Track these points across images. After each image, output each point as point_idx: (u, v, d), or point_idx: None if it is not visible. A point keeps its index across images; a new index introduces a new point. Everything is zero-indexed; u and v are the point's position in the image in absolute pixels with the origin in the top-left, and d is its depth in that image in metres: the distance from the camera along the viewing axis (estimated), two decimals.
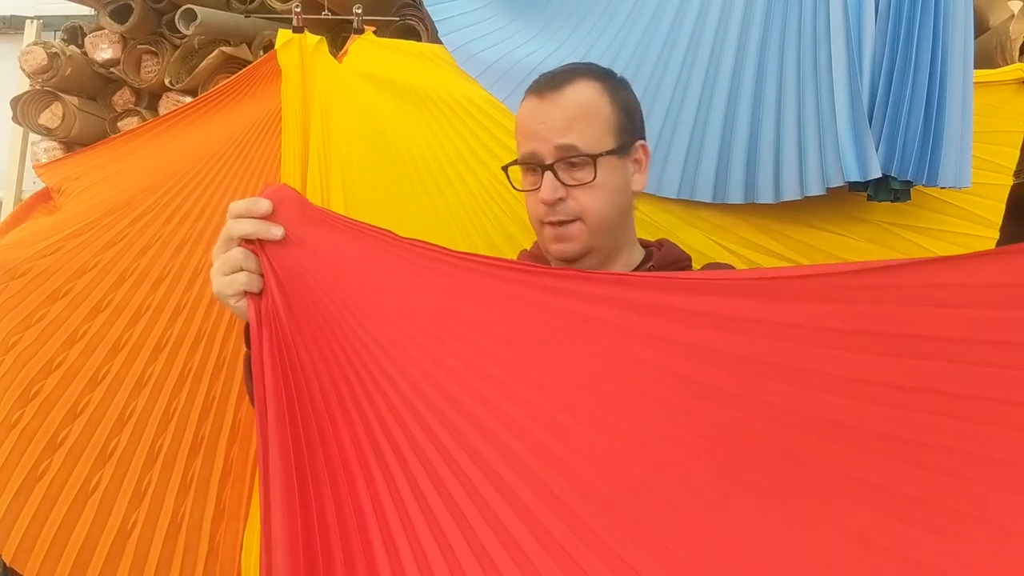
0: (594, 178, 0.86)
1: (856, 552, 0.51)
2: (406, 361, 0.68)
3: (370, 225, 0.72)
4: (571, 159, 0.86)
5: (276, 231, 0.70)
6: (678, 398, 0.58)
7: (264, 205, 0.70)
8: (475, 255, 0.70)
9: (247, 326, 0.72)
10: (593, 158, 0.85)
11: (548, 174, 0.86)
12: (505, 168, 0.95)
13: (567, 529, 0.58)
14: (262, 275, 0.71)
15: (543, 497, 0.60)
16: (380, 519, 0.65)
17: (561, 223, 0.87)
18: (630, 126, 0.91)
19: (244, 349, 0.77)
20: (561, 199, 0.86)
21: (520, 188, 0.92)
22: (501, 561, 0.60)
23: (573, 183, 0.86)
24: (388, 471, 0.66)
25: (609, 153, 0.87)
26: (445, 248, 0.69)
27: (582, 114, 0.87)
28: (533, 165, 0.88)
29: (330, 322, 0.70)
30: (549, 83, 0.90)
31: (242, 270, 0.71)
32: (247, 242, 0.71)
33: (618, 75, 0.94)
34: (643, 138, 0.94)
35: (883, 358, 0.50)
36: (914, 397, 0.49)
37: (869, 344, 0.51)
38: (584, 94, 0.88)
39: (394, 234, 0.71)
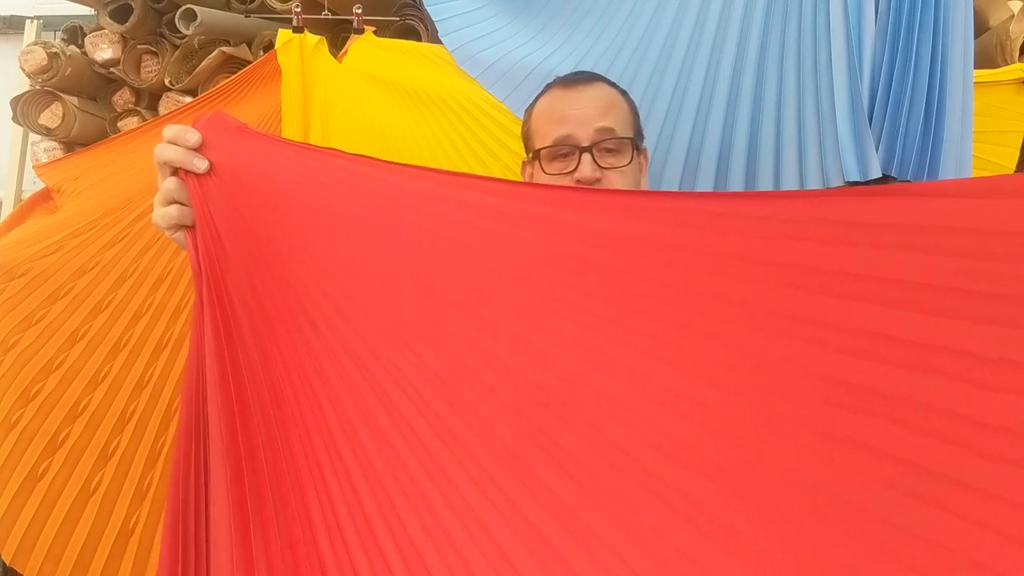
0: (630, 161, 0.90)
1: (830, 510, 0.48)
2: (359, 316, 0.63)
3: (317, 147, 0.68)
4: (608, 143, 0.89)
5: (200, 163, 0.65)
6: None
7: (193, 136, 0.66)
8: (448, 172, 0.65)
9: None
10: (631, 140, 0.90)
11: (587, 155, 0.88)
12: (537, 152, 0.93)
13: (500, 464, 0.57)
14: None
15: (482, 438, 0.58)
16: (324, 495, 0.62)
17: None
18: (639, 128, 0.96)
19: None
20: (597, 180, 0.88)
21: (549, 172, 0.92)
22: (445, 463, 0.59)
23: (607, 167, 0.89)
24: (336, 451, 0.62)
25: (632, 142, 0.91)
26: (412, 167, 0.64)
27: (612, 104, 0.93)
28: (567, 149, 0.90)
29: (270, 265, 0.65)
30: (575, 77, 0.95)
31: (175, 202, 0.67)
32: (184, 173, 0.67)
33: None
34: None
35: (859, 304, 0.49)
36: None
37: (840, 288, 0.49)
38: (608, 90, 0.95)
39: (344, 154, 0.66)
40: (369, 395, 0.62)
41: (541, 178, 0.92)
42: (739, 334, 0.52)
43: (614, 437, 0.54)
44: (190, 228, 0.67)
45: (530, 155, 0.97)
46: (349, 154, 0.66)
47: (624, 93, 0.96)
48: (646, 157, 0.98)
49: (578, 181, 0.88)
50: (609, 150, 0.89)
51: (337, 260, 0.65)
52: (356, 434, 0.62)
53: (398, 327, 0.62)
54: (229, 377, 0.64)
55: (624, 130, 0.91)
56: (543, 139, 0.93)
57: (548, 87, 0.97)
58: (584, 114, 0.90)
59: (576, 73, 0.97)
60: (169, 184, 0.67)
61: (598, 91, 0.94)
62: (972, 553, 0.44)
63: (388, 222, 0.64)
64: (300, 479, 0.63)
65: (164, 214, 0.67)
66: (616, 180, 0.89)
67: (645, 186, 0.96)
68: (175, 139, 0.66)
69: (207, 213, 0.66)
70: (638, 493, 0.53)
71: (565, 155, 0.91)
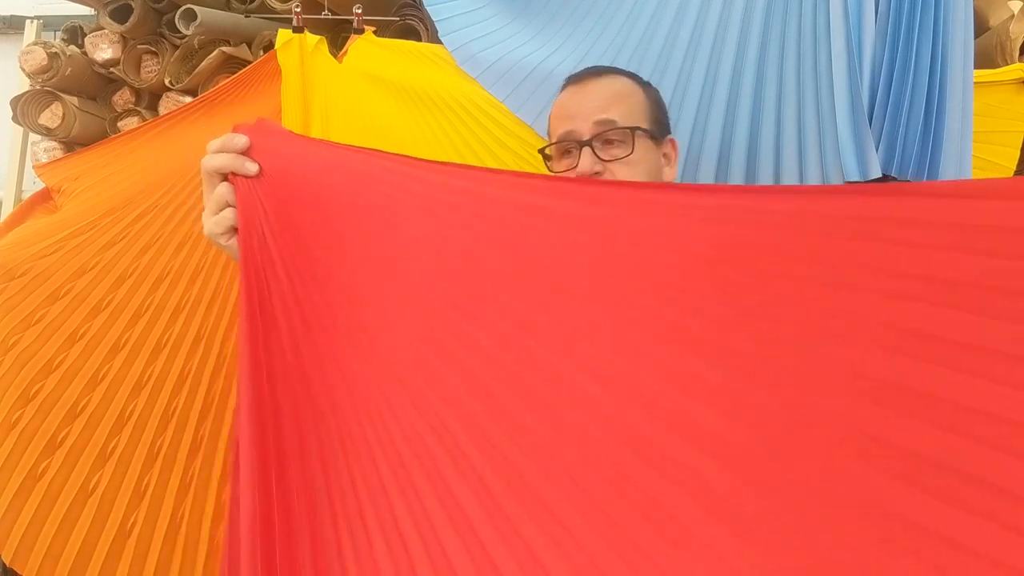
0: (631, 152, 0.87)
1: (856, 513, 0.47)
2: (400, 327, 0.61)
3: (365, 149, 0.66)
4: (609, 135, 0.87)
5: (251, 166, 0.66)
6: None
7: (240, 140, 0.67)
8: (499, 171, 0.62)
9: None
10: (632, 131, 0.87)
11: (586, 149, 0.87)
12: (542, 151, 0.94)
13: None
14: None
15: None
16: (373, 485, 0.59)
17: None
18: (662, 118, 0.94)
19: None
20: (598, 173, 0.86)
21: (556, 171, 0.92)
22: (464, 499, 0.55)
23: (610, 159, 0.87)
24: (396, 451, 0.59)
25: (645, 132, 0.89)
26: (463, 166, 0.62)
27: (620, 96, 0.91)
28: (569, 145, 0.89)
29: (317, 266, 0.64)
30: (586, 73, 0.94)
31: (229, 206, 0.67)
32: (233, 177, 0.67)
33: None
34: (671, 134, 0.96)
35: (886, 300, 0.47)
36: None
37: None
38: (620, 82, 0.93)
39: (392, 155, 0.64)
40: (416, 417, 0.58)
41: None
42: (782, 331, 0.51)
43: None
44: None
45: (543, 154, 0.96)
46: (397, 155, 0.64)
47: (642, 83, 0.94)
48: (674, 147, 0.95)
49: (579, 175, 0.86)
50: (610, 142, 0.88)
51: (383, 265, 0.63)
52: (401, 460, 0.58)
53: (446, 339, 0.59)
54: (264, 385, 0.63)
55: (629, 120, 0.88)
56: (551, 138, 0.93)
57: (563, 85, 0.96)
58: (586, 109, 0.89)
59: (589, 68, 0.96)
60: (222, 189, 0.67)
61: (604, 84, 0.92)
62: (1004, 557, 0.43)
63: (440, 227, 0.61)
64: (332, 490, 0.61)
65: (221, 219, 0.66)
66: (620, 172, 0.87)
67: (670, 178, 0.94)
68: (223, 146, 0.67)
69: (256, 216, 0.65)
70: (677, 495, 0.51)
71: (569, 151, 0.90)
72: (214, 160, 0.67)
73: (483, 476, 0.55)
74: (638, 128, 0.88)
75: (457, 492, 0.56)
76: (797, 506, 0.49)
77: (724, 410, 0.51)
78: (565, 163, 0.90)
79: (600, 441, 0.53)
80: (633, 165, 0.87)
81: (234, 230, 0.67)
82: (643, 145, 0.89)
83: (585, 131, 0.88)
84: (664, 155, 0.94)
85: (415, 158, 0.63)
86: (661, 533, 0.51)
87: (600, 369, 0.54)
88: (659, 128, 0.93)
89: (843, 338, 0.49)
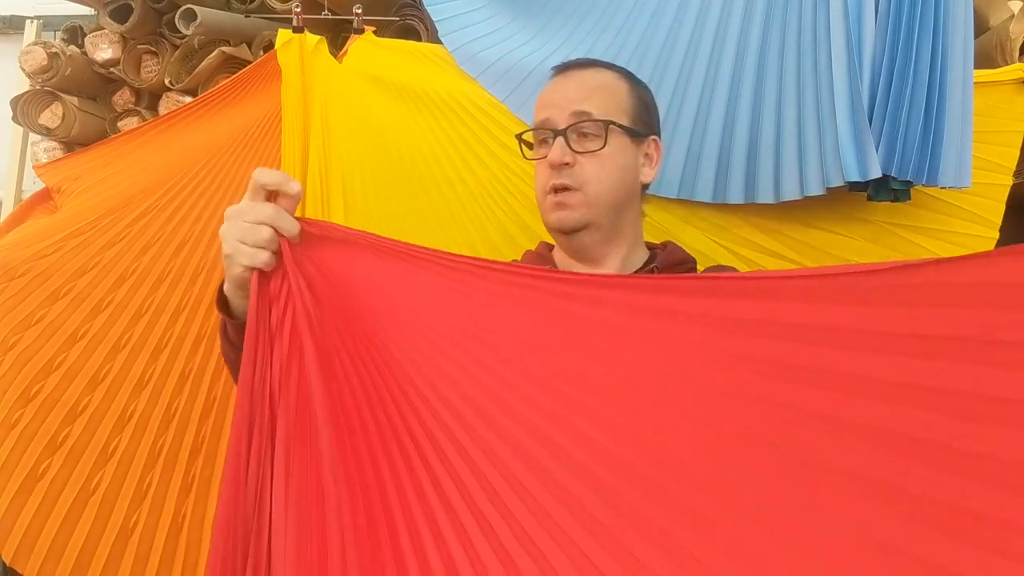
0: (603, 146, 0.87)
1: (877, 557, 0.51)
2: (426, 365, 0.66)
3: (375, 235, 0.70)
4: (583, 127, 0.87)
5: (294, 186, 0.66)
6: (696, 402, 0.58)
7: (295, 186, 0.66)
8: (487, 262, 0.68)
9: (220, 294, 0.71)
10: (605, 125, 0.87)
11: (559, 139, 0.87)
12: (520, 136, 0.95)
13: (584, 531, 0.58)
14: (275, 253, 0.66)
15: (560, 499, 0.60)
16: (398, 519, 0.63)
17: (565, 188, 0.87)
18: (646, 117, 0.93)
19: (221, 316, 0.73)
20: (567, 164, 0.87)
21: (530, 158, 0.93)
22: (522, 563, 0.59)
23: (582, 151, 0.87)
24: (412, 470, 0.64)
25: (621, 128, 0.88)
26: (453, 255, 0.68)
27: (600, 88, 0.90)
28: (545, 134, 0.90)
29: (349, 322, 0.68)
30: (573, 64, 0.94)
31: (268, 225, 0.64)
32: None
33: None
34: (658, 135, 0.96)
35: (897, 358, 0.50)
36: (932, 397, 0.49)
37: (881, 345, 0.51)
38: (605, 75, 0.93)
39: (402, 243, 0.69)
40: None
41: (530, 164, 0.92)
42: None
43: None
44: (260, 272, 0.66)
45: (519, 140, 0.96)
46: (441, 256, 0.68)
47: (630, 79, 0.94)
48: (655, 147, 0.94)
49: (549, 164, 0.87)
50: (584, 134, 0.87)
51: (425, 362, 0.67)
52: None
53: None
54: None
55: (605, 114, 0.88)
56: (533, 123, 0.93)
57: (550, 75, 0.96)
58: (565, 99, 0.89)
59: (575, 59, 0.96)
60: (268, 208, 0.65)
61: (588, 75, 0.92)
62: None
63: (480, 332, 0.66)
64: None
65: (255, 230, 0.64)
66: (588, 165, 0.87)
67: (650, 179, 0.94)
68: (277, 184, 0.66)
69: (294, 267, 0.67)
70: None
71: (544, 140, 0.90)
72: (263, 176, 0.66)
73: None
74: (613, 123, 0.88)
75: None
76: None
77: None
78: (540, 151, 0.91)
79: None
80: (603, 159, 0.87)
81: (266, 250, 0.65)
82: (617, 141, 0.88)
83: (561, 121, 0.88)
84: (645, 155, 0.93)
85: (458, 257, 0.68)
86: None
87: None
88: (641, 126, 0.91)
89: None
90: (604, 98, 0.89)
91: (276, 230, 0.65)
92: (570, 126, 0.87)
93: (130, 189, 1.30)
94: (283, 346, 0.66)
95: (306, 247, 0.68)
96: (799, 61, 1.04)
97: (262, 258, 0.65)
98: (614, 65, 0.95)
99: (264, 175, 0.66)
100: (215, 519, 0.67)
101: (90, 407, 1.19)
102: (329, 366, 0.67)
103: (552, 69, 0.96)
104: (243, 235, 0.65)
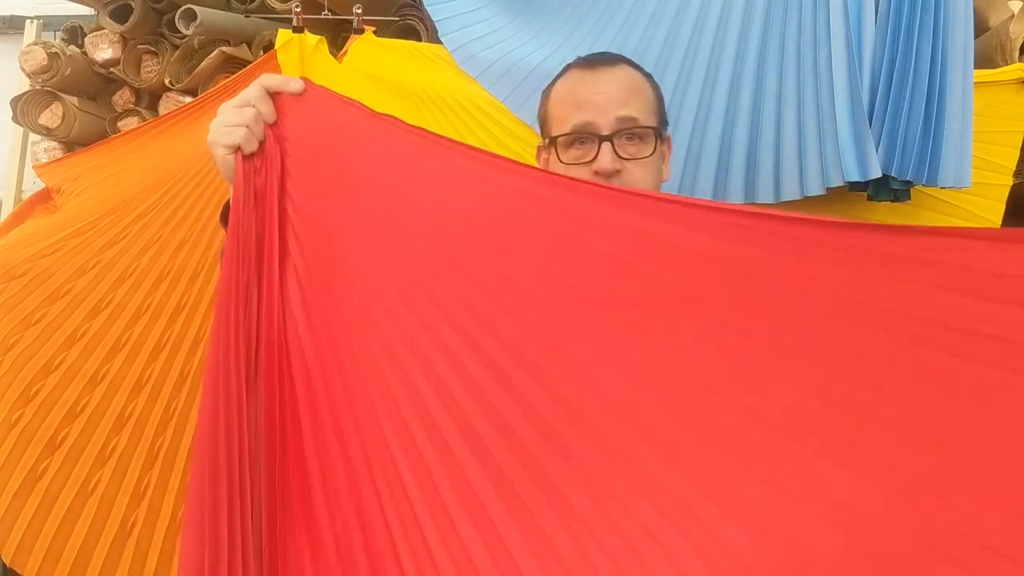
0: (652, 152, 0.86)
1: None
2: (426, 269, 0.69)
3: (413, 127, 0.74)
4: (632, 131, 0.86)
5: (296, 84, 0.72)
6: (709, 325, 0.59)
7: (297, 83, 0.72)
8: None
9: (224, 210, 0.73)
10: (654, 131, 0.86)
11: (607, 144, 0.84)
12: (554, 139, 0.90)
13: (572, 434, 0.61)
14: (260, 141, 0.71)
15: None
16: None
17: None
18: (664, 115, 0.92)
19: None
20: (617, 171, 0.84)
21: (565, 161, 0.88)
22: (514, 474, 0.62)
23: (627, 157, 0.85)
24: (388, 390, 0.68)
25: (658, 132, 0.88)
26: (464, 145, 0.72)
27: (636, 90, 0.88)
28: (584, 136, 0.86)
29: (329, 195, 0.71)
30: (599, 58, 0.91)
31: (251, 107, 0.70)
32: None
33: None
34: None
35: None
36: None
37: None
38: (634, 75, 0.90)
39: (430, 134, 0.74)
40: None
41: (557, 167, 0.87)
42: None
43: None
44: (244, 153, 0.70)
45: (546, 140, 0.92)
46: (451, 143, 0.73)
47: (649, 77, 0.92)
48: (669, 145, 0.94)
49: (596, 172, 0.84)
50: (630, 140, 0.85)
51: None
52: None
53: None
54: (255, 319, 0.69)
55: (647, 118, 0.87)
56: (561, 125, 0.88)
57: (568, 67, 0.92)
58: (606, 100, 0.86)
59: (599, 54, 0.92)
60: (253, 89, 0.72)
61: (621, 74, 0.89)
62: None
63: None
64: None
65: (240, 113, 0.70)
66: (636, 171, 0.85)
67: (667, 175, 0.93)
68: (277, 86, 0.72)
69: (283, 148, 0.71)
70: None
71: (583, 142, 0.87)
72: (269, 80, 0.72)
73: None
74: (655, 128, 0.87)
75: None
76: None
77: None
78: (575, 153, 0.87)
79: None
80: (647, 165, 0.86)
81: (247, 131, 0.70)
82: (655, 145, 0.88)
83: (605, 125, 0.85)
84: (662, 153, 0.92)
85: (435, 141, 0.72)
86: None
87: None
88: (663, 125, 0.91)
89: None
90: (642, 101, 0.88)
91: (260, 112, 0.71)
92: (616, 132, 0.85)
93: (130, 189, 1.30)
94: (267, 221, 0.70)
95: (296, 122, 0.72)
96: (799, 61, 1.04)
97: (240, 134, 0.70)
98: (630, 60, 0.93)
99: (268, 78, 0.72)
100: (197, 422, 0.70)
101: (89, 407, 1.18)
102: (312, 240, 0.70)
103: (577, 61, 0.92)
104: (226, 118, 0.71)
